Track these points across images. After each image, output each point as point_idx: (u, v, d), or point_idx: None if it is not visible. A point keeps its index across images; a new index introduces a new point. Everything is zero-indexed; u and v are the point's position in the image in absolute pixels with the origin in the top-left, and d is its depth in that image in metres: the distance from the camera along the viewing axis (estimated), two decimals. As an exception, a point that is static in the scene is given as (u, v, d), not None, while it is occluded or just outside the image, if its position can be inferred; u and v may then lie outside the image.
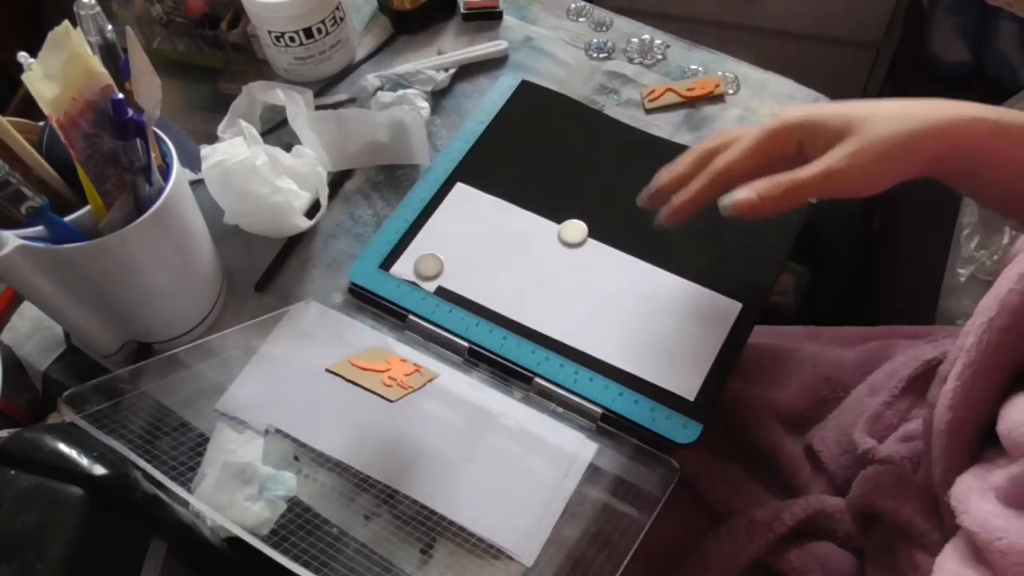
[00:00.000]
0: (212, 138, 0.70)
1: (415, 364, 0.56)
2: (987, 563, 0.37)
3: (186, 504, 0.51)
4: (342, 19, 0.75)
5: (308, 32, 0.73)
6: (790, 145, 0.49)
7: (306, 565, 0.44)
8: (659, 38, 0.79)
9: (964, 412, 0.43)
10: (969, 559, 0.39)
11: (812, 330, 0.72)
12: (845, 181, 0.47)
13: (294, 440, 0.56)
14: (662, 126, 0.73)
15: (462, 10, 0.80)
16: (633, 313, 0.61)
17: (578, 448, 0.55)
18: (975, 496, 0.40)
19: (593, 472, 0.54)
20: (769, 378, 0.64)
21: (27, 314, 0.65)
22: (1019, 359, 0.42)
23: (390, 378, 0.53)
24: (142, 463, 0.46)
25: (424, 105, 0.74)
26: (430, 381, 0.55)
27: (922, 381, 0.59)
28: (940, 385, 0.45)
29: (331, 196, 0.70)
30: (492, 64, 0.79)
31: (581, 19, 0.81)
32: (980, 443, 0.43)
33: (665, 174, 0.55)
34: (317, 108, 0.73)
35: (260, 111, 0.74)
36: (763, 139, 0.49)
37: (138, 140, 0.50)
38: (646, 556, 0.47)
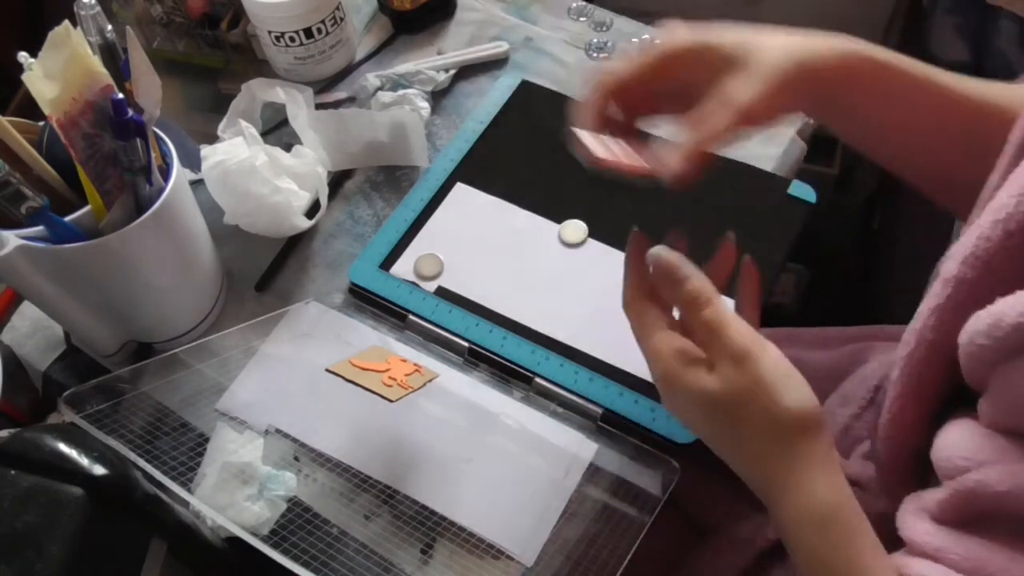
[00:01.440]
0: (212, 138, 0.70)
1: (415, 364, 0.56)
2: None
3: (186, 504, 0.51)
4: (342, 19, 0.75)
5: (308, 32, 0.73)
6: (680, 69, 0.47)
7: (306, 565, 0.44)
8: (659, 38, 0.79)
9: (898, 443, 0.44)
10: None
11: (791, 332, 0.72)
12: (755, 117, 0.45)
13: (294, 440, 0.56)
14: (662, 126, 0.73)
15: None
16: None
17: (578, 448, 0.55)
18: (910, 518, 0.41)
19: (593, 472, 0.54)
20: None
21: (27, 314, 0.65)
22: (942, 386, 0.42)
23: (390, 378, 0.53)
24: (142, 463, 0.46)
25: (424, 105, 0.74)
26: (430, 381, 0.55)
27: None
28: (881, 413, 0.46)
29: (331, 196, 0.70)
30: (492, 64, 0.79)
31: (581, 19, 0.81)
32: (921, 467, 0.44)
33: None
34: (317, 107, 0.73)
35: (260, 110, 0.74)
36: (659, 56, 0.47)
37: (138, 140, 0.50)
38: (631, 571, 0.47)
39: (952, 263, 0.40)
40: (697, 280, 0.43)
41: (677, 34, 0.47)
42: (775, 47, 0.45)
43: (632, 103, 0.49)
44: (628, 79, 0.47)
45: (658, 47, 0.47)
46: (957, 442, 0.39)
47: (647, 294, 0.46)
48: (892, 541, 0.46)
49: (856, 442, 0.57)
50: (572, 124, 0.49)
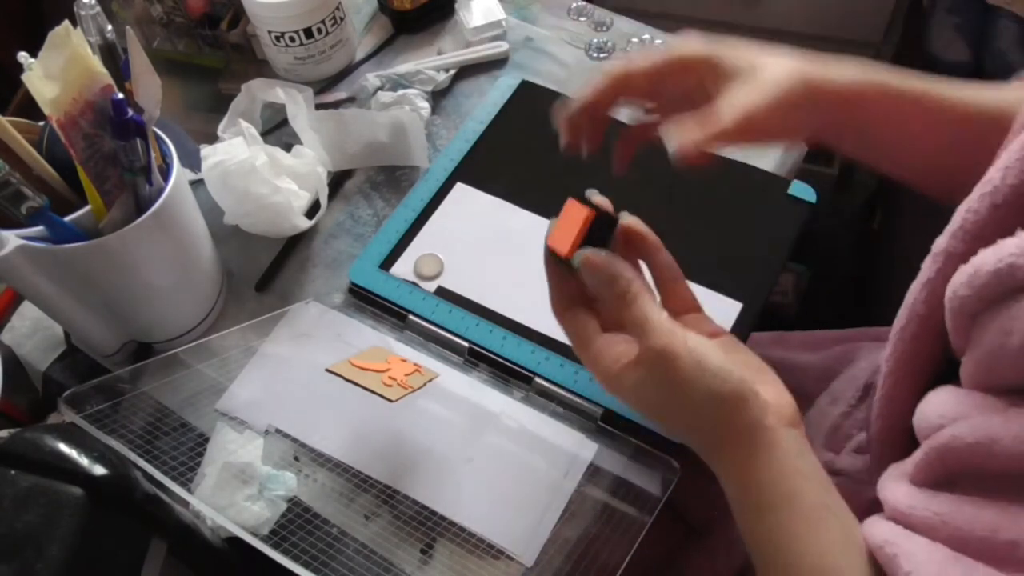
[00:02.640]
0: (212, 138, 0.70)
1: (415, 364, 0.56)
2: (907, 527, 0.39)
3: (186, 504, 0.51)
4: (342, 19, 0.75)
5: (308, 32, 0.73)
6: (691, 76, 0.48)
7: (306, 565, 0.44)
8: (659, 38, 0.79)
9: (891, 419, 0.45)
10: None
11: (779, 335, 0.72)
12: (758, 128, 0.45)
13: (294, 440, 0.56)
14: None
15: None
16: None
17: (578, 448, 0.55)
18: (890, 482, 0.41)
19: (593, 472, 0.54)
20: None
21: (27, 314, 0.65)
22: (933, 360, 0.43)
23: (390, 378, 0.53)
24: (142, 463, 0.46)
25: (424, 105, 0.74)
26: (430, 381, 0.55)
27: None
28: (875, 394, 0.46)
29: (331, 196, 0.70)
30: (492, 64, 0.79)
31: (581, 19, 0.81)
32: (913, 444, 0.44)
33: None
34: (317, 107, 0.73)
35: (260, 110, 0.74)
36: (670, 58, 0.48)
37: (138, 140, 0.50)
38: (630, 571, 0.47)
39: (942, 239, 0.41)
40: (623, 281, 0.44)
41: (691, 42, 0.48)
42: (785, 66, 0.46)
43: (632, 98, 0.50)
44: (636, 73, 0.48)
45: (672, 50, 0.48)
46: (935, 404, 0.40)
47: (573, 298, 0.47)
48: None
49: (846, 439, 0.57)
50: (566, 106, 0.50)
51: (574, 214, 0.47)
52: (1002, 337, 0.35)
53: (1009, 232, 0.37)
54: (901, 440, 0.45)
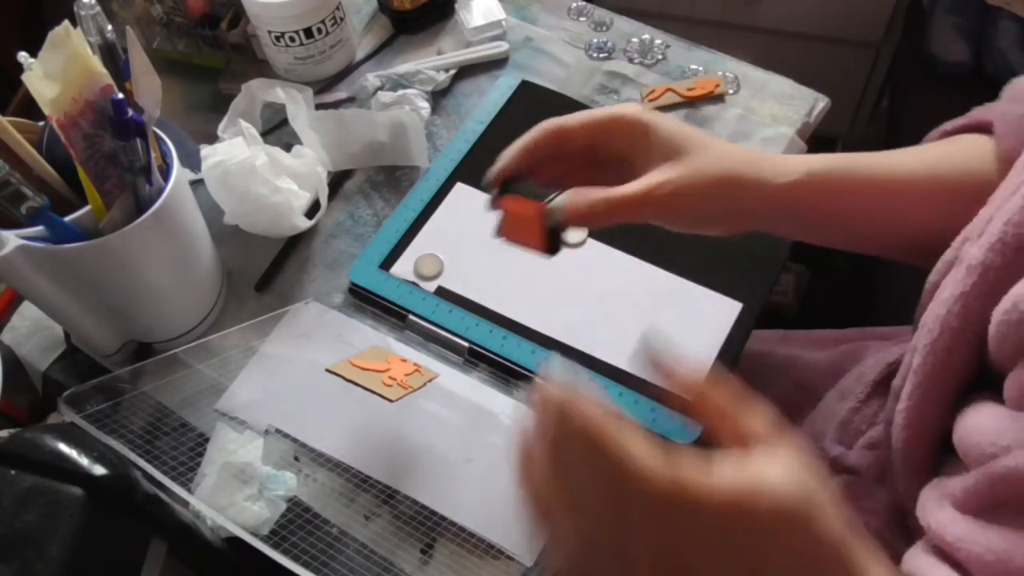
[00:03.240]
0: (212, 138, 0.70)
1: (415, 364, 0.56)
2: (953, 563, 0.38)
3: (186, 504, 0.51)
4: (342, 19, 0.75)
5: (308, 32, 0.73)
6: (622, 139, 0.48)
7: (306, 565, 0.44)
8: (659, 38, 0.79)
9: (918, 430, 0.44)
10: (938, 557, 0.39)
11: (783, 334, 0.72)
12: (662, 211, 0.46)
13: (294, 440, 0.56)
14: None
15: None
16: (633, 313, 0.61)
17: (578, 448, 0.55)
18: (932, 505, 0.41)
19: (593, 472, 0.54)
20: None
21: (27, 314, 0.65)
22: (965, 372, 0.42)
23: (390, 378, 0.53)
24: (142, 463, 0.46)
25: (424, 105, 0.74)
26: (430, 381, 0.55)
27: (886, 384, 0.59)
28: (895, 402, 0.46)
29: (331, 196, 0.70)
30: (492, 64, 0.79)
31: (581, 19, 0.81)
32: (939, 454, 0.44)
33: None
34: (317, 107, 0.73)
35: (260, 110, 0.74)
36: (603, 117, 0.48)
37: (138, 140, 0.50)
38: None
39: (977, 250, 0.40)
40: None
41: (632, 107, 0.48)
42: (717, 160, 0.46)
43: (561, 155, 0.50)
44: (572, 127, 0.48)
45: (609, 110, 0.48)
46: (983, 426, 0.39)
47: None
48: (902, 529, 0.45)
49: (858, 434, 0.57)
50: (497, 164, 0.50)
51: (523, 210, 0.48)
52: None
53: None
54: (928, 451, 0.44)
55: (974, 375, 0.42)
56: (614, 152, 0.48)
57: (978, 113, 0.53)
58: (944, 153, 0.50)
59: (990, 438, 0.38)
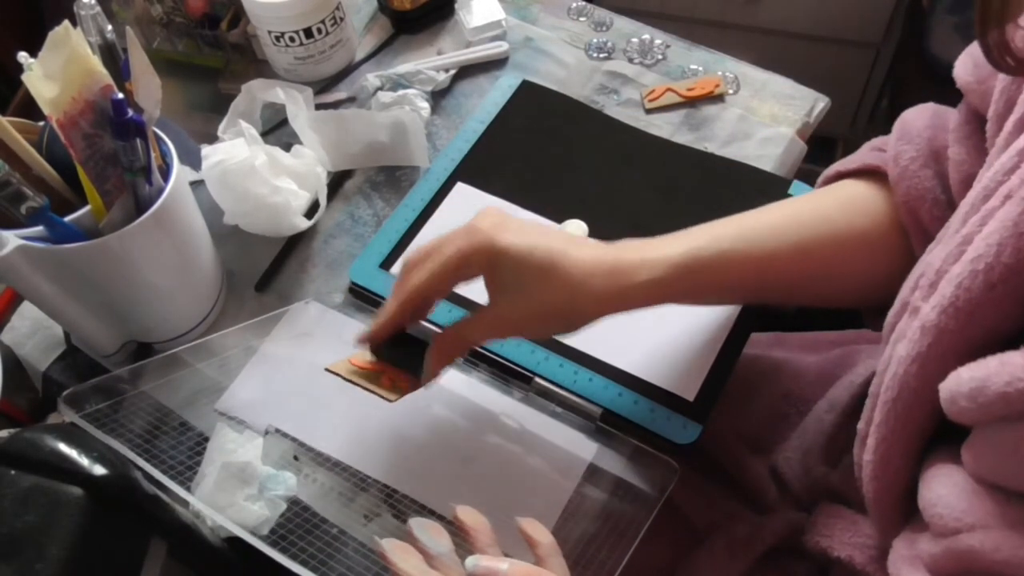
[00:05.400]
0: (212, 138, 0.70)
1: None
2: None
3: (186, 504, 0.51)
4: (342, 19, 0.76)
5: (308, 32, 0.73)
6: (477, 272, 0.49)
7: (306, 565, 0.44)
8: (659, 38, 0.79)
9: (886, 482, 0.44)
10: None
11: (779, 336, 0.72)
12: (517, 336, 0.52)
13: (294, 440, 0.56)
14: (662, 126, 0.73)
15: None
16: (633, 313, 0.61)
17: (577, 448, 0.55)
18: (906, 566, 0.41)
19: (593, 472, 0.54)
20: (731, 397, 0.63)
21: (27, 314, 0.65)
22: (929, 423, 0.42)
23: (390, 378, 0.53)
24: (142, 463, 0.46)
25: (424, 105, 0.74)
26: (430, 381, 0.55)
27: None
28: (861, 446, 0.45)
29: (331, 196, 0.70)
30: (492, 64, 0.79)
31: (581, 19, 0.81)
32: (910, 501, 0.44)
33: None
34: (317, 107, 0.73)
35: (260, 110, 0.74)
36: (451, 266, 0.48)
37: (138, 140, 0.50)
38: (629, 572, 0.47)
39: (930, 310, 0.39)
40: None
41: (476, 241, 0.48)
42: (567, 275, 0.47)
43: (427, 304, 0.53)
44: (427, 288, 0.49)
45: (455, 255, 0.49)
46: (946, 498, 0.39)
47: None
48: (883, 569, 0.46)
49: (843, 452, 0.57)
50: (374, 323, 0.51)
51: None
52: (1010, 450, 0.35)
53: (1003, 314, 0.37)
54: (895, 502, 0.45)
55: (937, 423, 0.42)
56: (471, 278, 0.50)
57: (871, 158, 0.54)
58: (835, 205, 0.52)
59: (955, 513, 0.38)
